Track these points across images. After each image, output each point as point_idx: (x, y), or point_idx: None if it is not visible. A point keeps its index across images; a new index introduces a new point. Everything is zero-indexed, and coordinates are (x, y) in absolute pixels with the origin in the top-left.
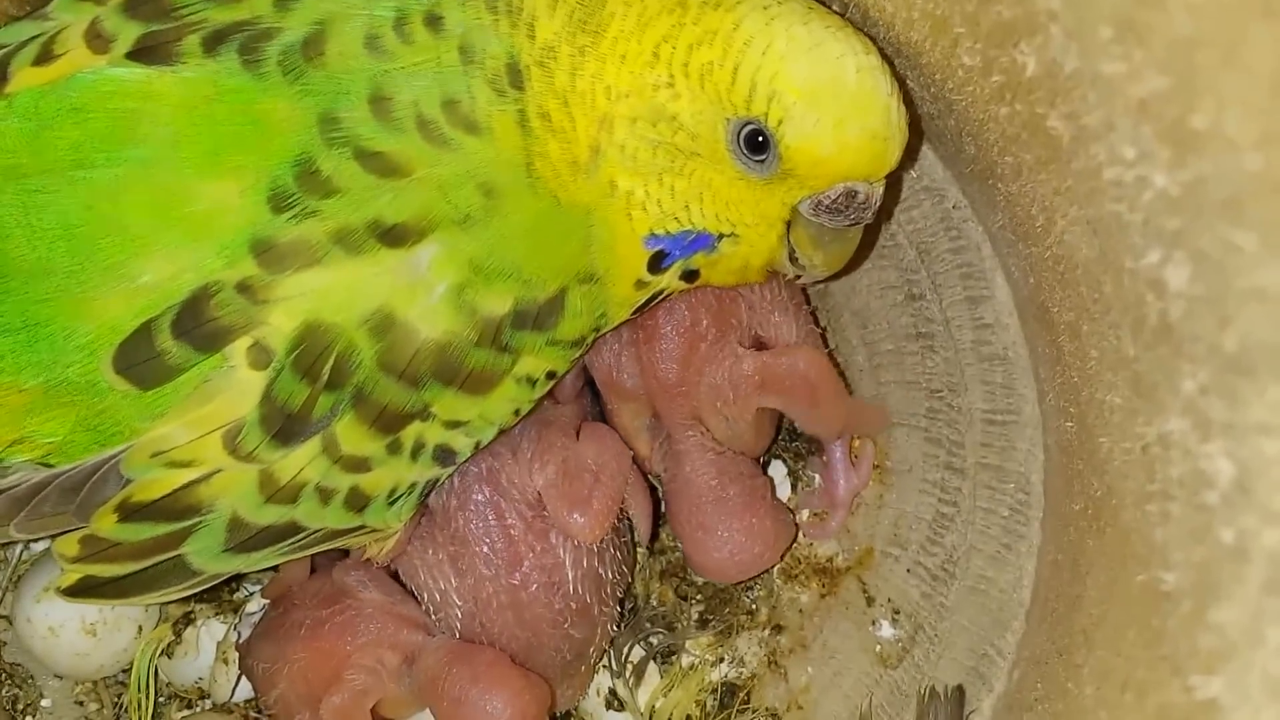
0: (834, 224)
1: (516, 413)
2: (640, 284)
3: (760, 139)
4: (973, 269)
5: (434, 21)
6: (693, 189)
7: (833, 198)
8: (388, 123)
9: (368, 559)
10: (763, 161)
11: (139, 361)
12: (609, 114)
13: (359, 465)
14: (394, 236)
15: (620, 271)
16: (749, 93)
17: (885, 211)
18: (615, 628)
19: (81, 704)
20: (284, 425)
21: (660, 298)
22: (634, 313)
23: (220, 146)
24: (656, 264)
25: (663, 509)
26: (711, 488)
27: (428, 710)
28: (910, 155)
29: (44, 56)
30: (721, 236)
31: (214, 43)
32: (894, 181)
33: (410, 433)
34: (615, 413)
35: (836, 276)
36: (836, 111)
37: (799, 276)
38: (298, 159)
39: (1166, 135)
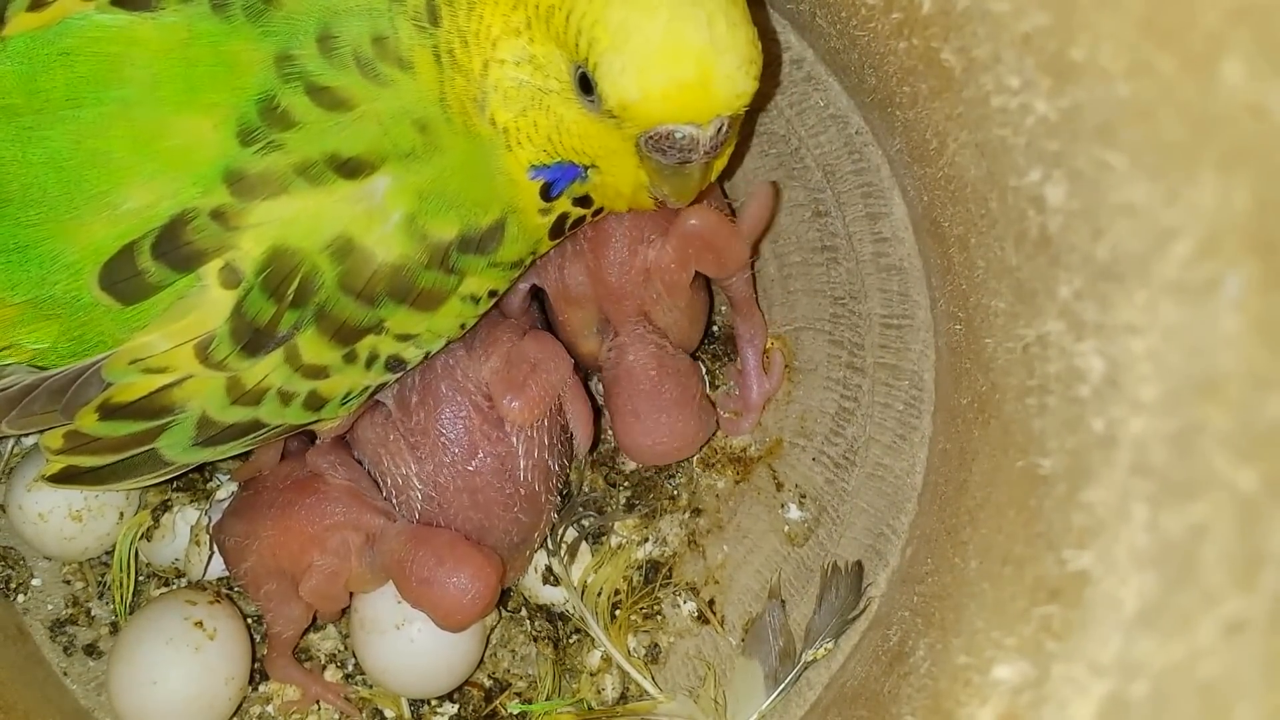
0: (665, 161)
1: (462, 326)
2: (543, 211)
3: (588, 81)
4: (873, 188)
5: None
6: (551, 124)
7: (655, 138)
8: (332, 59)
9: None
10: (593, 102)
11: (121, 279)
12: (489, 56)
13: (318, 373)
14: (350, 169)
15: (525, 200)
16: (576, 38)
17: (744, 134)
18: (556, 515)
19: (68, 583)
20: (252, 338)
21: (577, 222)
22: (556, 236)
23: (194, 86)
24: (547, 193)
25: (600, 403)
26: (650, 378)
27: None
28: (765, 97)
29: (37, 2)
30: (586, 168)
31: None
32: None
33: (365, 345)
34: (566, 321)
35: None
36: (640, 60)
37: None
38: (261, 96)
39: (1047, 66)
